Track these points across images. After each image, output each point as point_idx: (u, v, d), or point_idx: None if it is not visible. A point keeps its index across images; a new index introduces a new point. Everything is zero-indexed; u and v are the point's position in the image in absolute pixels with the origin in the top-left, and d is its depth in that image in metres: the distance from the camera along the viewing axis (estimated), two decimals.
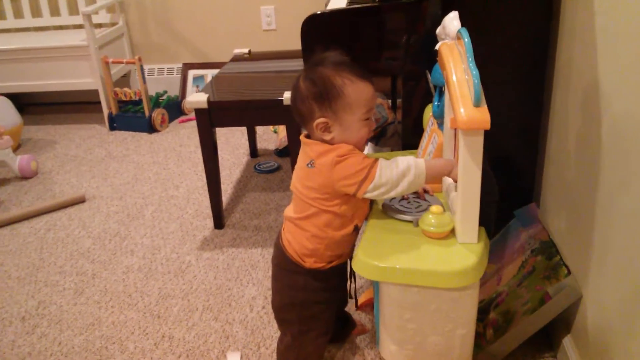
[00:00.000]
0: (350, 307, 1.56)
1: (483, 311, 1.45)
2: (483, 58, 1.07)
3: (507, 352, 1.38)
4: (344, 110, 1.13)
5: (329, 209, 1.17)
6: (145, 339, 1.61)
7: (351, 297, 1.43)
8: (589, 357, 1.23)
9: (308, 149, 1.18)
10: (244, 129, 3.01)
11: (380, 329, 1.21)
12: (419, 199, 1.23)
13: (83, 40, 3.15)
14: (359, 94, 1.13)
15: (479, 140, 1.01)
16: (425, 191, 1.24)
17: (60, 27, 3.62)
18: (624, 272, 1.06)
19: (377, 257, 1.10)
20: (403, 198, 1.23)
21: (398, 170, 1.11)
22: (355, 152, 1.14)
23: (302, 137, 1.21)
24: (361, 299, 1.62)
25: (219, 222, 2.15)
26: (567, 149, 1.40)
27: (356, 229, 1.22)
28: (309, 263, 1.23)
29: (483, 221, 1.11)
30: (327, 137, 1.15)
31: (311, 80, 1.14)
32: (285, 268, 1.27)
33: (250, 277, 1.84)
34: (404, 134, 1.66)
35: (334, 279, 1.28)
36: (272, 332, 1.58)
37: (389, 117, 2.58)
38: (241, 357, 1.50)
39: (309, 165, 1.17)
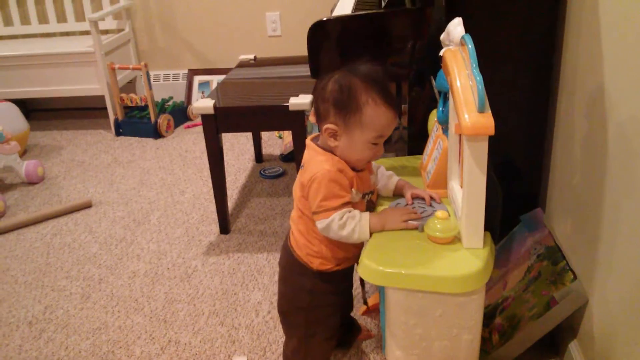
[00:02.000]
0: (355, 312, 1.56)
1: (489, 316, 1.45)
2: (487, 64, 1.08)
3: (513, 357, 1.38)
4: (356, 126, 1.13)
5: (308, 214, 1.20)
6: (152, 343, 1.61)
7: (365, 303, 1.43)
8: None
9: (307, 152, 1.21)
10: (249, 135, 3.02)
11: (386, 334, 1.22)
12: (424, 204, 1.23)
13: (90, 46, 3.18)
14: (376, 118, 1.12)
15: (484, 146, 1.02)
16: (432, 198, 1.24)
17: (67, 34, 3.65)
18: (630, 277, 1.06)
19: (382, 262, 1.10)
20: (408, 204, 1.23)
21: (342, 234, 1.15)
22: (335, 181, 1.14)
23: (307, 140, 1.23)
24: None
25: (224, 227, 2.16)
26: (572, 153, 1.40)
27: None
28: (316, 264, 1.24)
29: (488, 226, 1.12)
30: (332, 144, 1.16)
31: (339, 85, 1.13)
32: (292, 270, 1.28)
33: (256, 282, 1.85)
34: (409, 139, 1.66)
35: (341, 282, 1.29)
36: (277, 337, 1.58)
37: None
38: None
39: (301, 167, 1.20)
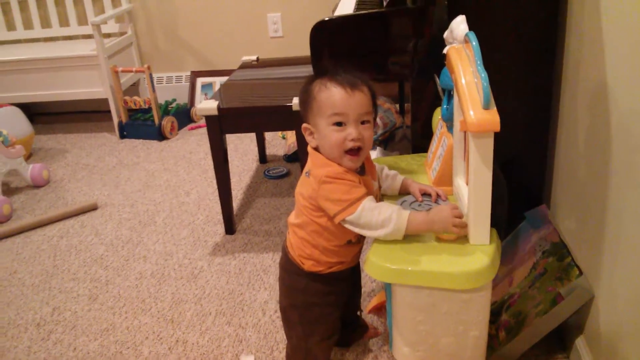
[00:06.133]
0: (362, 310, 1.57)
1: (495, 313, 1.45)
2: (491, 61, 1.08)
3: (520, 353, 1.38)
4: (316, 114, 1.16)
5: (316, 220, 1.20)
6: (160, 343, 1.62)
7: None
8: (602, 357, 1.24)
9: (310, 159, 1.22)
10: (252, 136, 3.04)
11: (393, 331, 1.22)
12: (430, 201, 1.24)
13: (92, 50, 3.19)
14: (327, 98, 1.14)
15: (489, 143, 1.02)
16: (438, 195, 1.25)
17: (70, 38, 3.67)
18: (636, 272, 1.06)
19: (389, 259, 1.11)
20: (414, 201, 1.24)
21: (378, 220, 1.12)
22: (345, 178, 1.14)
23: (308, 147, 1.24)
24: (372, 303, 1.63)
25: (230, 227, 2.17)
26: (576, 149, 1.40)
27: (350, 243, 1.22)
28: (308, 265, 1.24)
29: (494, 223, 1.12)
30: (313, 143, 1.20)
31: (303, 88, 1.21)
32: (288, 270, 1.30)
33: (262, 282, 1.86)
34: (413, 138, 1.67)
35: (336, 283, 1.28)
36: (284, 336, 1.58)
37: (396, 122, 2.60)
38: None
39: (306, 175, 1.20)
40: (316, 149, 1.20)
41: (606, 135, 1.18)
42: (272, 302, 1.75)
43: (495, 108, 1.00)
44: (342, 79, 1.15)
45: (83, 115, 3.78)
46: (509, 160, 1.57)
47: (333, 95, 1.14)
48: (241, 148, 3.03)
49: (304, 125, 1.20)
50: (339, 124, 1.14)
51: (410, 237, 1.15)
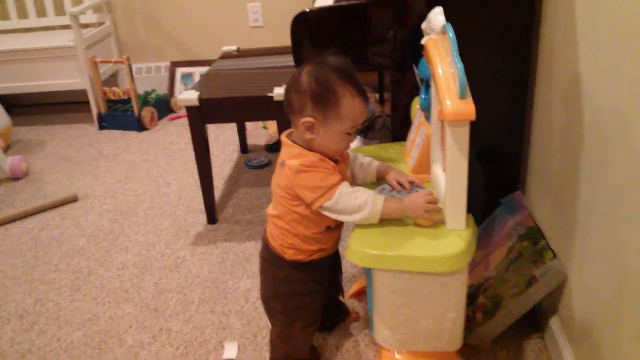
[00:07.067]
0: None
1: (472, 296, 1.49)
2: (467, 52, 1.11)
3: (497, 334, 1.43)
4: (334, 118, 1.15)
5: (294, 209, 1.21)
6: (143, 332, 1.64)
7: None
8: (575, 335, 1.29)
9: (284, 149, 1.23)
10: (233, 126, 3.03)
11: (374, 315, 1.26)
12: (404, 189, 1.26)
13: (70, 40, 3.16)
14: (352, 109, 1.15)
15: (465, 131, 1.05)
16: (411, 182, 1.26)
17: (47, 28, 3.61)
18: (605, 254, 1.11)
19: (369, 245, 1.14)
20: (392, 189, 1.27)
21: (355, 204, 1.15)
22: (320, 166, 1.16)
23: (282, 137, 1.24)
24: (353, 288, 1.66)
25: (211, 217, 2.18)
26: (550, 138, 1.45)
27: (329, 229, 1.25)
28: (289, 255, 1.27)
29: (471, 209, 1.16)
30: (309, 136, 1.17)
31: (315, 78, 1.14)
32: (269, 261, 1.32)
33: (244, 270, 1.88)
34: (393, 127, 1.70)
35: (318, 271, 1.31)
36: (267, 322, 1.60)
37: (376, 111, 2.63)
38: (238, 347, 1.54)
39: (281, 165, 1.21)
40: (309, 141, 1.18)
41: (579, 126, 1.22)
42: (254, 290, 1.77)
43: (471, 98, 1.03)
44: (362, 89, 1.17)
45: (62, 106, 3.75)
46: (487, 148, 1.61)
47: (357, 108, 1.16)
48: (222, 138, 3.04)
49: (309, 119, 1.15)
50: (350, 133, 1.18)
51: (389, 223, 1.18)
